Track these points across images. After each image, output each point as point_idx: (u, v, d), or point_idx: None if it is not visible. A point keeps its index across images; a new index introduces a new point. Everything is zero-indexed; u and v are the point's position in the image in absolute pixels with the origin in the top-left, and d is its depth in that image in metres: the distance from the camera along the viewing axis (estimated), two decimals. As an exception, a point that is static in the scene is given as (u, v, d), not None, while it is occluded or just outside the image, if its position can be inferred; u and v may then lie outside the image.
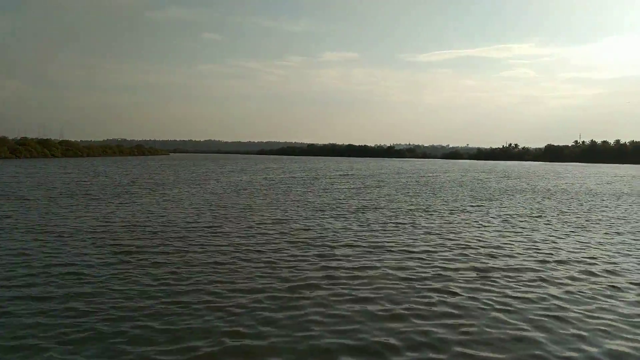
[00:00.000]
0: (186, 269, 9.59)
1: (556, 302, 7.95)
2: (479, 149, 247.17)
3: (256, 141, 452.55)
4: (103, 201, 21.39)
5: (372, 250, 11.82)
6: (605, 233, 15.18)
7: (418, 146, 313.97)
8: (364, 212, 19.22)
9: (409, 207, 21.34)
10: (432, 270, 9.85)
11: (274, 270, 9.69)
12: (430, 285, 8.81)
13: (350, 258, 10.88)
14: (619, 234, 15.10)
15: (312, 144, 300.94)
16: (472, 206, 22.43)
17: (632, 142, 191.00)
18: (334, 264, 10.31)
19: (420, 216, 18.42)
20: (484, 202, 24.63)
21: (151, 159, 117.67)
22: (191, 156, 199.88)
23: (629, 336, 6.57)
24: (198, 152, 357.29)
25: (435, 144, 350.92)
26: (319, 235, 13.81)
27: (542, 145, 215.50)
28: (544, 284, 9.01)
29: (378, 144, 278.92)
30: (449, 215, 19.02)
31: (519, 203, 24.35)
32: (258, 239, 12.96)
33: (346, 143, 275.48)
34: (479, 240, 13.38)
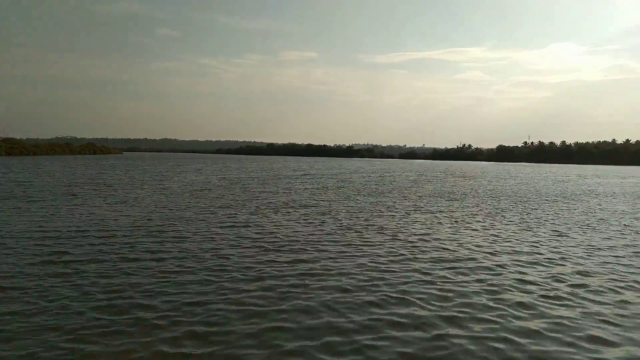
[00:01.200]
0: (126, 279, 8.92)
1: (487, 300, 7.92)
2: (434, 149, 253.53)
3: (214, 140, 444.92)
4: (43, 203, 20.02)
5: (325, 253, 11.52)
6: (555, 232, 15.60)
7: (376, 146, 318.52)
8: (323, 214, 18.93)
9: (367, 207, 21.24)
10: (378, 270, 9.66)
11: (223, 278, 9.20)
12: (373, 282, 8.61)
13: (302, 262, 10.54)
14: (561, 232, 15.54)
15: (272, 144, 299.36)
16: (428, 206, 22.61)
17: (577, 143, 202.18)
18: (282, 268, 9.93)
19: (378, 216, 18.33)
20: (440, 201, 24.94)
21: (103, 158, 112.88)
22: (145, 155, 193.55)
23: (553, 335, 6.57)
24: (153, 151, 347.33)
25: (392, 144, 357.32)
26: (274, 238, 13.37)
27: (494, 145, 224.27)
28: (480, 282, 9.04)
29: (337, 144, 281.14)
30: (405, 214, 19.03)
31: (474, 203, 24.82)
32: (209, 243, 12.37)
33: (306, 143, 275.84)
34: (430, 238, 13.38)
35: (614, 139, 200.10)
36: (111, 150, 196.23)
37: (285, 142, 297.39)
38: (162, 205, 20.59)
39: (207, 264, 10.13)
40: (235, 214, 18.28)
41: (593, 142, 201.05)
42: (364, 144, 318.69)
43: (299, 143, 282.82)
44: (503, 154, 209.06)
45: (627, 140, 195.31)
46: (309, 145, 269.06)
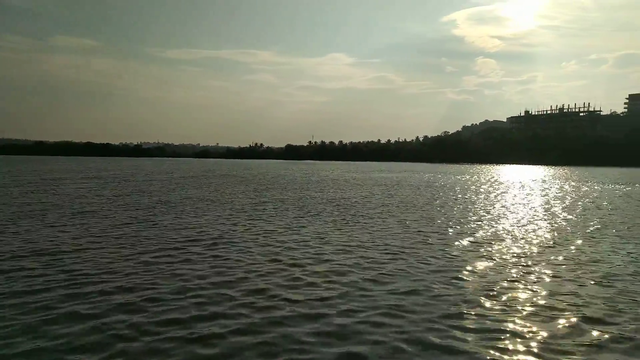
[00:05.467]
0: None
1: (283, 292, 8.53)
2: (228, 148, 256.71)
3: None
4: None
5: (108, 259, 10.46)
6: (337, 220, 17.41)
7: (168, 145, 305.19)
8: (118, 222, 17.04)
9: (167, 208, 20.01)
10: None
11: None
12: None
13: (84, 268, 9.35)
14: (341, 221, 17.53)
15: (41, 142, 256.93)
16: (221, 202, 22.58)
17: (351, 143, 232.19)
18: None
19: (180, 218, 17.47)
20: (229, 197, 25.19)
21: None
22: None
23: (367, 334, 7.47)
24: None
25: (185, 143, 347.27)
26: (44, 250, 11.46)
27: (283, 144, 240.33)
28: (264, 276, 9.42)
29: (123, 142, 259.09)
30: (197, 213, 18.64)
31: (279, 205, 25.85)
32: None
33: (85, 141, 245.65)
34: (216, 231, 13.49)
35: (379, 139, 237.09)
36: None
37: (59, 139, 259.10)
38: None
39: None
40: None
41: (363, 141, 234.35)
42: (155, 143, 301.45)
43: (76, 141, 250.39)
44: (291, 152, 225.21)
45: (389, 141, 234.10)
46: (89, 144, 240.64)
